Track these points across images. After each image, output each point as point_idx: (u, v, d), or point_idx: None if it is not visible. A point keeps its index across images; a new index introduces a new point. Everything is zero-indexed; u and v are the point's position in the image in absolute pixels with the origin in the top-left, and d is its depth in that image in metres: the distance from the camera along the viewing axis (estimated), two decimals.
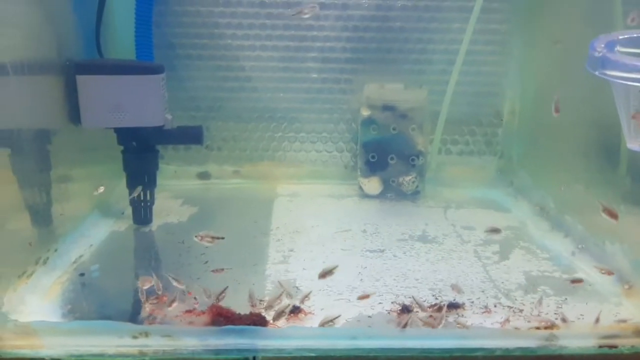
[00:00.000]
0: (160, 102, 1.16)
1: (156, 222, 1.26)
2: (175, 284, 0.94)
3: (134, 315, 0.90)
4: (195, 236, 0.94)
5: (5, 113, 0.94)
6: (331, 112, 1.56)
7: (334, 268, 0.93)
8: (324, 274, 0.92)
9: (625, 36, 0.85)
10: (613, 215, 0.91)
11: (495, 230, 1.14)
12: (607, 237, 1.08)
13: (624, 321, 0.87)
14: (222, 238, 0.95)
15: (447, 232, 1.25)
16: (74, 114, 1.13)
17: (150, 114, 1.15)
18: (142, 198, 1.22)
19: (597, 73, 0.82)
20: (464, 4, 1.44)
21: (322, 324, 0.86)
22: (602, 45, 0.81)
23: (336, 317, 0.88)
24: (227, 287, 0.90)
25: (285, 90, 1.53)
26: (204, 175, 1.55)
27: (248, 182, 1.55)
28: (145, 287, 0.93)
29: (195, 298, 0.93)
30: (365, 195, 1.48)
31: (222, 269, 1.00)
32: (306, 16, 1.01)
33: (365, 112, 1.44)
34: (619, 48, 0.84)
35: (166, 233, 1.21)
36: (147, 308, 0.91)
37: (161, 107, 1.16)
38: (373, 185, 1.47)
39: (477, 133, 1.56)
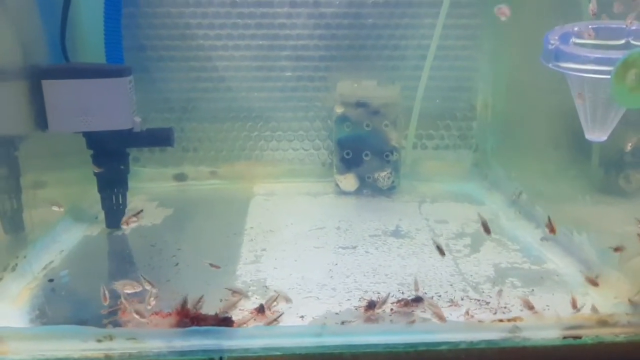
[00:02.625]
0: (127, 104, 1.15)
1: (129, 225, 1.25)
2: (148, 287, 0.94)
3: (102, 320, 0.90)
4: (121, 224, 0.95)
5: None
6: (306, 109, 1.56)
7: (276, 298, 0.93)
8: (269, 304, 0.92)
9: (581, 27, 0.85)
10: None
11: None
12: (575, 227, 1.09)
13: (578, 310, 0.88)
14: (141, 210, 0.96)
15: (420, 227, 1.26)
16: (41, 120, 1.13)
17: (118, 117, 1.15)
18: (114, 201, 1.22)
19: (550, 65, 0.83)
20: None
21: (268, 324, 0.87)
22: (556, 38, 0.81)
23: (280, 316, 0.88)
24: (203, 295, 0.90)
25: (260, 90, 1.53)
26: (180, 177, 1.55)
27: (225, 183, 1.55)
28: (128, 292, 0.92)
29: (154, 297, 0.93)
30: (342, 192, 1.48)
31: None
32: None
33: (339, 109, 1.44)
34: (574, 39, 0.84)
35: (139, 236, 1.21)
36: (116, 312, 0.91)
37: (129, 109, 1.16)
38: (349, 182, 1.47)
39: (451, 127, 1.57)
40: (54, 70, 1.12)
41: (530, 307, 0.89)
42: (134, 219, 0.96)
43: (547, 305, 0.93)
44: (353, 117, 1.44)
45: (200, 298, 0.89)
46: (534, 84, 1.29)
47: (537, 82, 1.25)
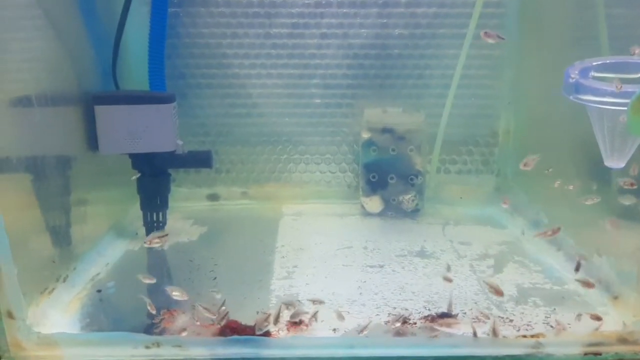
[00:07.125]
0: (171, 129, 1.24)
1: (168, 242, 1.33)
2: (218, 296, 1.02)
3: (147, 328, 0.97)
4: (144, 242, 1.03)
5: (29, 141, 1.02)
6: (333, 134, 1.63)
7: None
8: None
9: (599, 62, 0.92)
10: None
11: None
12: (595, 250, 1.13)
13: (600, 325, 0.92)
14: (166, 234, 1.04)
15: (445, 248, 1.31)
16: (92, 142, 1.22)
17: (163, 140, 1.24)
18: (154, 219, 1.30)
19: (571, 97, 0.89)
20: (458, 31, 1.52)
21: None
22: (576, 72, 0.87)
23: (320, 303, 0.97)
24: (225, 299, 0.97)
25: (290, 115, 1.62)
26: (213, 197, 1.63)
27: (255, 203, 1.62)
28: (174, 294, 0.99)
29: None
30: (367, 214, 1.54)
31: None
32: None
33: (366, 135, 1.52)
34: (593, 73, 0.90)
35: (177, 252, 1.28)
36: (160, 320, 0.98)
37: (173, 133, 1.24)
38: (374, 203, 1.54)
39: (474, 153, 1.63)
40: (106, 97, 1.22)
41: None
42: (157, 240, 1.04)
43: (569, 324, 0.97)
44: (379, 142, 1.50)
45: (225, 314, 0.96)
46: (553, 112, 1.35)
47: (557, 110, 1.31)
